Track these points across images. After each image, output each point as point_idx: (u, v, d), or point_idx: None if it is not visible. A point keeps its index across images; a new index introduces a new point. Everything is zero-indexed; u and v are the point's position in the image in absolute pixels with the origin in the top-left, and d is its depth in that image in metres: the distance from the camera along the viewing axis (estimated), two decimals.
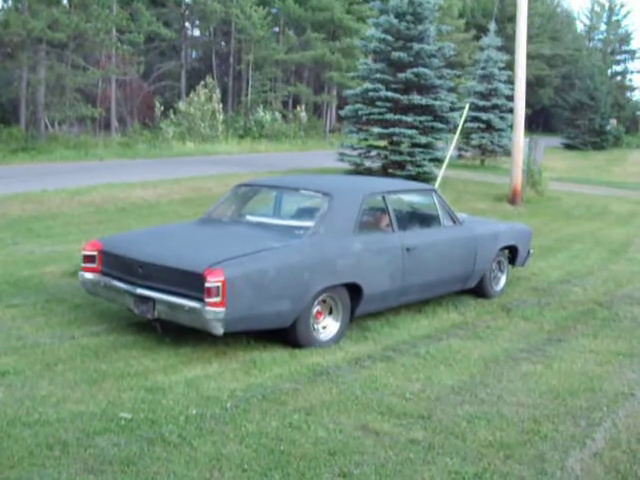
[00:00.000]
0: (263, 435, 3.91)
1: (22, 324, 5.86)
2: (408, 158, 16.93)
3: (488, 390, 4.77)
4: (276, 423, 4.08)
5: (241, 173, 16.72)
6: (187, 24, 40.21)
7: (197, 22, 42.33)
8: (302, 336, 5.49)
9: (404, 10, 17.19)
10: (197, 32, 44.67)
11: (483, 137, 24.17)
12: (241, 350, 5.41)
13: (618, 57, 63.73)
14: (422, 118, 17.01)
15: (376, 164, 17.96)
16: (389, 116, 16.91)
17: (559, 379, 5.05)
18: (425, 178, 16.37)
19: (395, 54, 17.08)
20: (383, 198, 6.35)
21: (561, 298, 7.66)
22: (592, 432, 4.13)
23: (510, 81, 21.39)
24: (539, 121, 59.51)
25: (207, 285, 4.87)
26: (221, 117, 29.35)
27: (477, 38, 37.20)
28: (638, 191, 20.88)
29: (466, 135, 23.92)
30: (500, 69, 24.56)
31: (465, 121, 15.03)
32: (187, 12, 37.82)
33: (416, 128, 17.07)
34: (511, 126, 18.25)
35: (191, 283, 5.03)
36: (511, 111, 19.11)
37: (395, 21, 17.06)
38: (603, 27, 64.71)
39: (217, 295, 4.87)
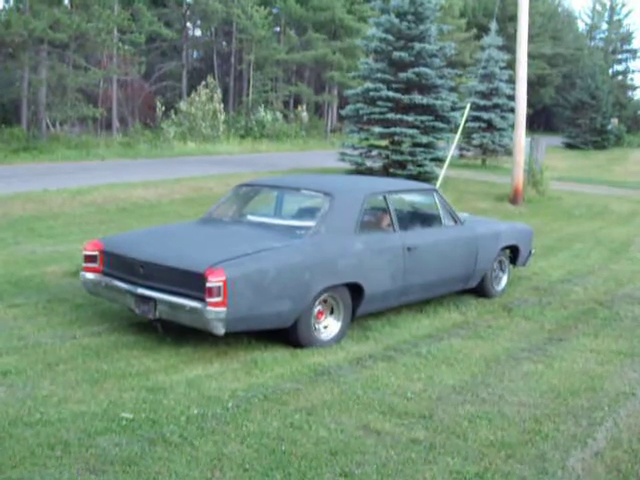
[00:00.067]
0: (264, 435, 3.91)
1: (24, 324, 5.87)
2: (409, 158, 16.92)
3: (489, 390, 4.78)
4: (277, 423, 4.08)
5: (242, 173, 16.72)
6: (188, 24, 40.25)
7: (198, 22, 42.37)
8: (303, 336, 5.50)
9: (405, 10, 17.19)
10: (198, 32, 44.70)
11: (484, 137, 24.16)
12: (242, 350, 5.41)
13: (619, 56, 63.71)
14: (423, 118, 17.00)
15: (377, 164, 17.96)
16: (390, 116, 16.90)
17: (560, 378, 5.05)
18: (426, 178, 16.36)
19: (396, 54, 17.07)
20: (384, 198, 6.35)
21: (562, 297, 7.66)
22: (593, 432, 4.13)
23: (511, 80, 21.37)
24: (540, 120, 59.46)
25: (208, 285, 4.87)
26: (222, 117, 29.35)
27: (478, 37, 37.22)
28: (639, 190, 20.85)
29: (467, 135, 23.90)
30: (501, 68, 24.54)
31: (466, 121, 15.01)
32: (188, 12, 37.85)
33: (417, 128, 17.07)
34: (512, 125, 18.26)
35: (192, 283, 5.03)
36: (512, 110, 19.11)
37: (396, 21, 17.05)
38: (604, 26, 64.72)
39: (218, 295, 4.87)
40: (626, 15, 63.84)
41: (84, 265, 5.90)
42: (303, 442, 3.85)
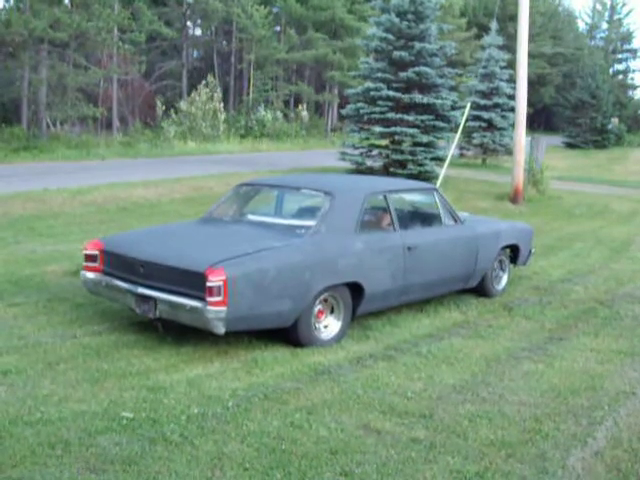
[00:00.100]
0: (265, 434, 3.91)
1: (24, 323, 5.87)
2: (409, 157, 16.91)
3: (490, 389, 4.78)
4: (278, 422, 4.08)
5: (242, 172, 16.72)
6: (188, 23, 40.25)
7: (198, 21, 42.37)
8: (304, 335, 5.50)
9: (405, 9, 17.18)
10: (198, 31, 44.70)
11: (484, 136, 24.15)
12: (242, 349, 5.42)
13: (620, 56, 63.70)
14: (423, 117, 16.99)
15: (377, 163, 17.95)
16: (390, 115, 16.90)
17: (560, 378, 5.05)
18: (426, 177, 16.35)
19: (396, 53, 17.07)
20: (384, 197, 6.36)
21: (562, 297, 7.66)
22: (593, 431, 4.13)
23: (511, 80, 21.36)
24: (540, 120, 59.45)
25: (208, 284, 4.87)
26: (222, 116, 29.34)
27: (478, 37, 37.24)
28: (639, 189, 20.85)
29: (467, 134, 23.89)
30: (501, 68, 24.53)
31: (466, 120, 15.02)
32: (188, 11, 37.83)
33: (417, 127, 17.06)
34: (512, 125, 18.26)
35: (192, 282, 5.03)
36: (512, 110, 19.09)
37: (396, 20, 17.05)
38: (605, 26, 64.70)
39: (218, 294, 4.87)
40: (626, 14, 63.99)
41: (84, 264, 5.91)
42: (303, 441, 3.85)
